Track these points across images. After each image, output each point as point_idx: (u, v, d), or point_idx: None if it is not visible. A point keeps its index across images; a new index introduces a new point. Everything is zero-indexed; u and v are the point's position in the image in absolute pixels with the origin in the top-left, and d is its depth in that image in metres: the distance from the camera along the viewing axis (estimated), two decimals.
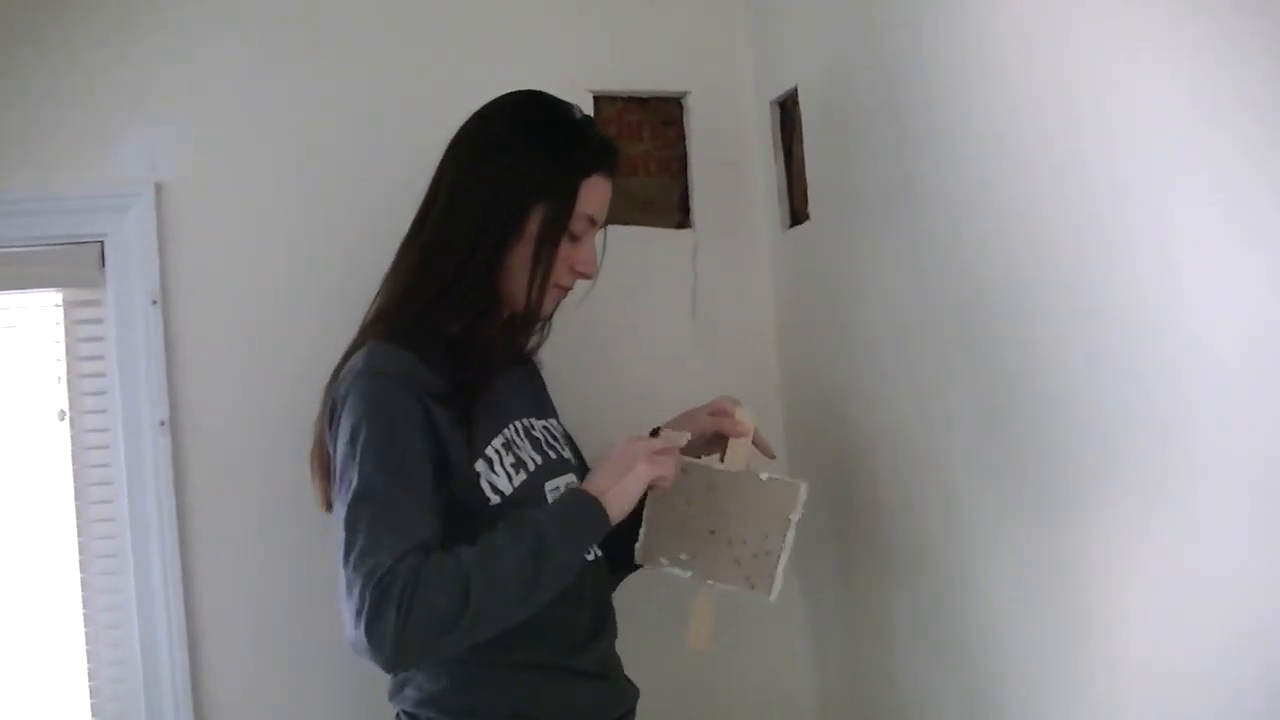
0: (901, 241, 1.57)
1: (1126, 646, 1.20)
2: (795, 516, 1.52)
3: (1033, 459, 1.32)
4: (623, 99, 1.94)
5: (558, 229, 1.49)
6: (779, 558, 1.52)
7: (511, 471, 1.46)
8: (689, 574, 1.53)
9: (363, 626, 1.24)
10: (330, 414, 1.42)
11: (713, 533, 1.53)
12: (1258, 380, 1.00)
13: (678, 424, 1.61)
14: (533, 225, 1.48)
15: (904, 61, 1.54)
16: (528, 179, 1.48)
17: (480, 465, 1.43)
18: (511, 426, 1.52)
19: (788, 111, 1.94)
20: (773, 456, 1.62)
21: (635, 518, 1.54)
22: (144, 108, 1.75)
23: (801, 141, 1.86)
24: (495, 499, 1.43)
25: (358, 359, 1.42)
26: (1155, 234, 1.10)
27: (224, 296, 1.75)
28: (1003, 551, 1.40)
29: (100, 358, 1.75)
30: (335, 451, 1.39)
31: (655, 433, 1.63)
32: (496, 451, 1.46)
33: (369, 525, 1.30)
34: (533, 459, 1.50)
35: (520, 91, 1.56)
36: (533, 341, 1.61)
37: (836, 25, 1.73)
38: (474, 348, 1.48)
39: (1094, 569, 1.24)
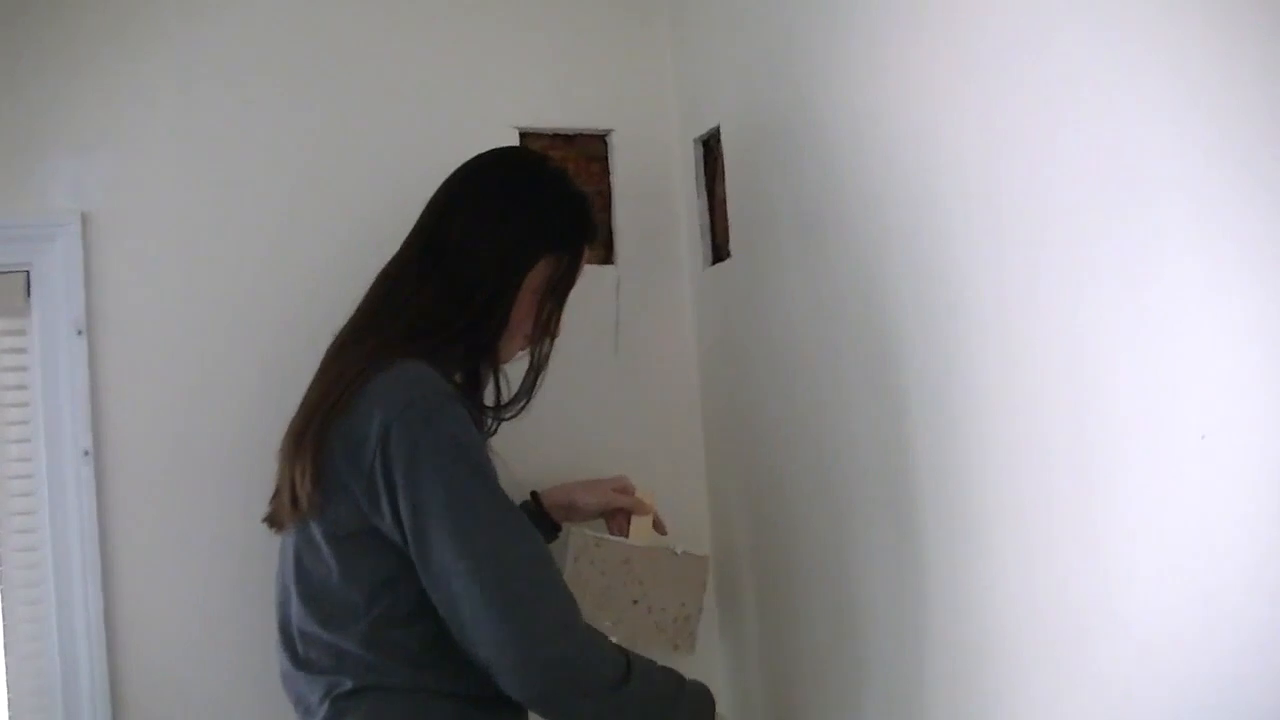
0: (816, 278, 1.62)
1: (1030, 684, 1.24)
2: (707, 583, 1.75)
3: (943, 496, 1.37)
4: (548, 135, 1.97)
5: (567, 283, 1.58)
6: (697, 621, 1.74)
7: None
8: (615, 639, 1.63)
9: (555, 678, 1.39)
10: (382, 435, 1.37)
11: (635, 602, 1.70)
12: (1164, 400, 1.03)
13: (585, 491, 1.75)
14: (535, 278, 1.54)
15: (822, 102, 1.59)
16: (546, 232, 1.56)
17: None
18: None
19: (711, 149, 1.98)
20: (665, 533, 1.78)
21: None
22: (71, 137, 1.75)
23: (724, 179, 1.91)
24: None
25: (405, 379, 1.41)
26: (1064, 268, 1.14)
27: (149, 328, 1.76)
28: (914, 593, 1.44)
29: (24, 387, 1.75)
30: (412, 476, 1.37)
31: (534, 496, 1.74)
32: None
33: (541, 582, 1.41)
34: None
35: (523, 148, 1.74)
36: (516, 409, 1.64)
37: (758, 66, 1.77)
38: (480, 389, 1.58)
39: (1002, 611, 1.28)
